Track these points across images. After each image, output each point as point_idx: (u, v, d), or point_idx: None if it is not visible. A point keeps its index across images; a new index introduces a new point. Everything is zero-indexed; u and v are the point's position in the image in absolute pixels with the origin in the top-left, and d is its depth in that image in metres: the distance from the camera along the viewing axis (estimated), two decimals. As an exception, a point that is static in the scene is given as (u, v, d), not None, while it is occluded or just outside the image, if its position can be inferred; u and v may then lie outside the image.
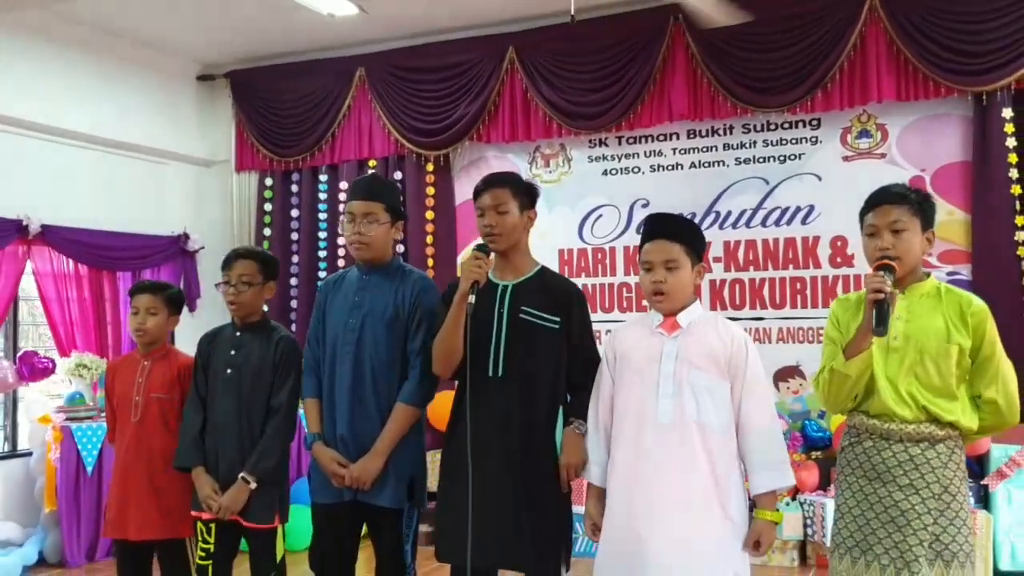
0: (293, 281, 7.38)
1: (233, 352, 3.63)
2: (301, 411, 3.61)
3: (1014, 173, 5.61)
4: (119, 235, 6.88)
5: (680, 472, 2.83)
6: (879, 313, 2.63)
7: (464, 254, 6.79)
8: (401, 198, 3.64)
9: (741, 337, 2.92)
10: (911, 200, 2.79)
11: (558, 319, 3.19)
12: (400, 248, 7.03)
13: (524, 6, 6.49)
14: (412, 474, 3.41)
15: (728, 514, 2.83)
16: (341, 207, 7.23)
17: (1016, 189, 5.61)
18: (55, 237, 6.41)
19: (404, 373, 3.37)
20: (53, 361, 6.22)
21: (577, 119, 6.52)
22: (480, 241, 3.24)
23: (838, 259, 6.09)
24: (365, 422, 3.34)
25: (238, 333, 3.67)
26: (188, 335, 6.86)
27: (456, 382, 3.31)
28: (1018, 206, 5.61)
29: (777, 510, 2.91)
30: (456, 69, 6.84)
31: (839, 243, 6.09)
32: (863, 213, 2.87)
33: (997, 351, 2.76)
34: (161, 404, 3.78)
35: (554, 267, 6.48)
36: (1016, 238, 5.59)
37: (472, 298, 3.07)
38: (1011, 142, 5.62)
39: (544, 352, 3.18)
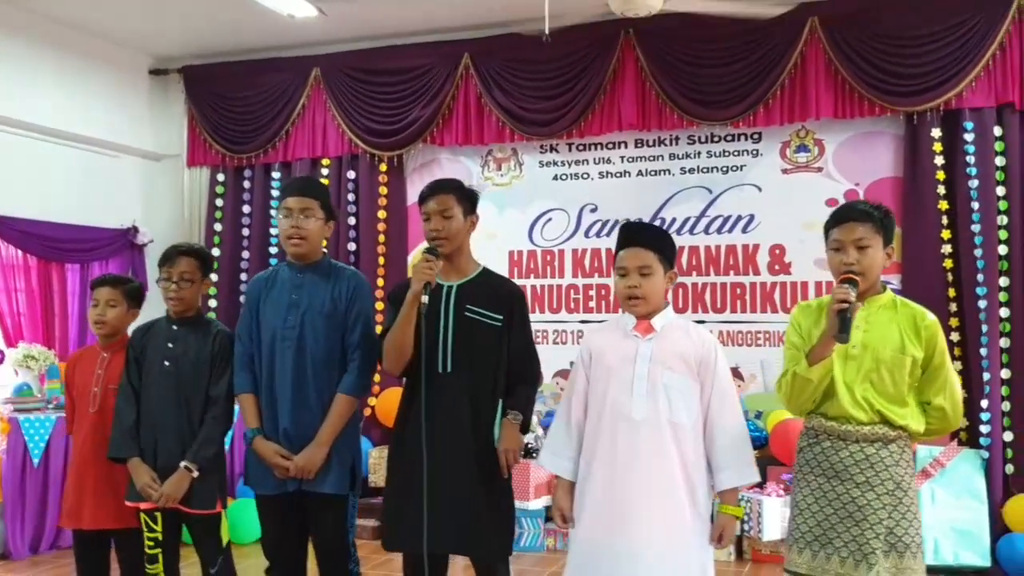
0: (243, 276, 7.41)
1: (171, 345, 3.71)
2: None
3: (941, 189, 5.94)
4: (68, 227, 6.86)
5: (653, 466, 2.99)
6: (842, 322, 2.83)
7: (415, 256, 6.93)
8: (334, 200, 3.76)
9: (711, 341, 3.11)
10: (875, 218, 2.99)
11: (500, 316, 3.37)
12: (352, 247, 7.15)
13: (479, 15, 6.63)
14: (352, 461, 3.55)
15: (696, 507, 3.01)
16: (294, 204, 7.29)
17: (943, 204, 5.93)
18: (4, 228, 6.38)
19: (342, 367, 3.50)
20: (2, 352, 6.19)
21: (529, 125, 6.69)
22: (428, 245, 3.39)
23: (776, 266, 6.37)
24: (308, 415, 3.46)
25: (174, 327, 3.75)
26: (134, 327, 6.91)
27: (404, 379, 3.45)
28: (945, 220, 5.93)
29: (739, 505, 3.10)
30: (412, 73, 6.95)
31: (777, 251, 6.37)
32: (828, 228, 3.05)
33: (946, 362, 3.00)
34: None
35: (504, 268, 6.68)
36: (942, 251, 5.91)
37: (425, 298, 3.22)
38: (939, 160, 5.95)
39: (488, 347, 3.36)
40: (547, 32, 5.23)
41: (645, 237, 3.18)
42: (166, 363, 3.69)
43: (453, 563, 3.60)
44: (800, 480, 3.08)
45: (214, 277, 7.39)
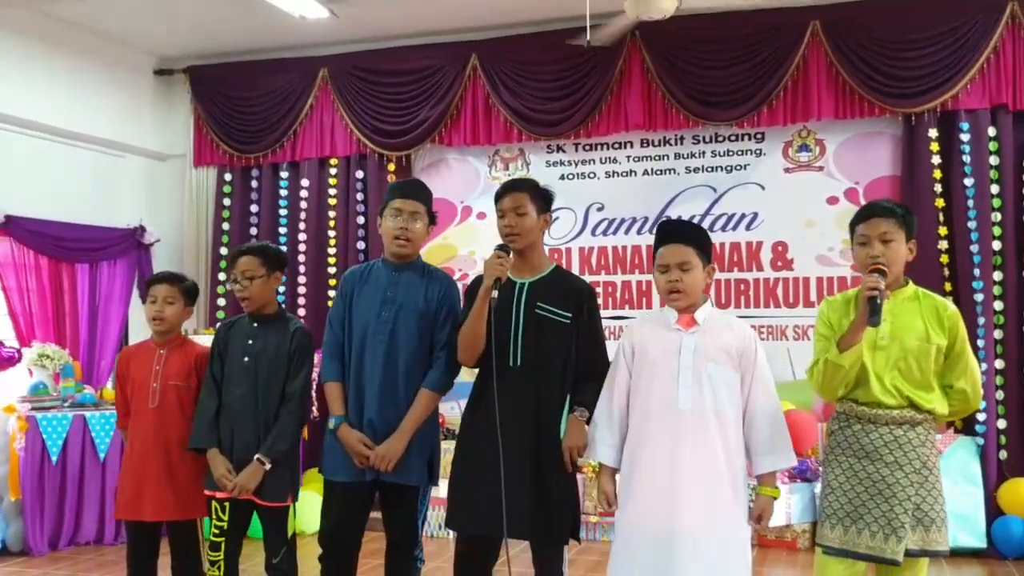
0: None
1: (251, 341, 3.82)
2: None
3: (938, 188, 6.18)
4: (77, 226, 6.90)
5: (699, 454, 3.16)
6: (873, 307, 3.02)
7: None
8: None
9: (751, 334, 3.28)
10: (897, 214, 3.19)
11: (569, 314, 3.48)
12: (361, 245, 7.25)
13: (488, 16, 6.77)
14: (431, 454, 3.69)
15: (736, 490, 3.19)
16: (303, 204, 7.39)
17: (940, 202, 6.17)
18: (17, 228, 6.41)
19: (428, 364, 3.63)
20: (19, 351, 6.23)
21: (537, 125, 6.84)
22: (501, 242, 3.51)
23: (779, 263, 6.58)
24: (393, 408, 3.58)
25: (255, 324, 3.86)
26: (141, 327, 6.98)
27: (477, 371, 3.57)
28: (941, 218, 6.18)
29: (776, 487, 3.28)
30: (420, 73, 7.08)
31: (780, 248, 6.58)
32: (854, 224, 3.25)
33: (966, 348, 3.20)
34: (178, 391, 3.93)
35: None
36: (940, 247, 6.15)
37: (495, 293, 3.35)
38: (936, 160, 6.19)
39: (556, 344, 3.47)
40: (588, 39, 5.37)
41: (684, 234, 3.34)
42: (246, 359, 3.79)
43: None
44: (832, 461, 3.25)
45: (223, 276, 7.48)
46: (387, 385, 3.59)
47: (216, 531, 3.80)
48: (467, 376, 3.66)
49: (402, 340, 3.60)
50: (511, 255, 3.46)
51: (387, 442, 3.54)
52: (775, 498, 3.27)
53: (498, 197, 3.56)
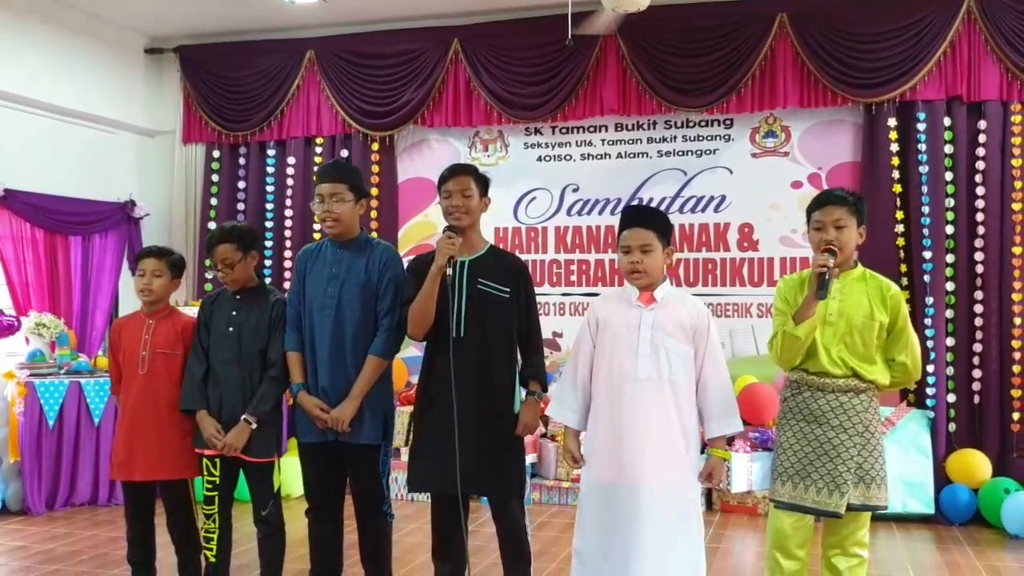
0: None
1: (234, 313, 4.11)
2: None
3: (896, 174, 6.51)
4: (71, 200, 7.12)
5: (654, 418, 3.48)
6: (821, 282, 3.36)
7: (402, 232, 7.26)
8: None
9: (704, 311, 3.60)
10: (850, 202, 3.51)
11: (508, 289, 3.80)
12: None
13: (470, 2, 7.03)
14: (385, 415, 3.98)
15: (689, 452, 3.52)
16: (289, 181, 7.63)
17: (897, 188, 6.50)
18: (15, 201, 6.64)
19: (374, 331, 3.91)
20: (18, 319, 6.47)
21: (516, 109, 7.10)
22: (448, 224, 3.77)
23: (745, 244, 6.91)
24: (343, 375, 3.87)
25: (237, 297, 4.15)
26: (131, 298, 7.21)
27: (426, 343, 3.86)
28: (898, 202, 6.51)
29: (726, 450, 3.61)
30: (403, 57, 7.32)
31: (746, 229, 6.90)
32: (811, 210, 3.56)
33: (907, 326, 3.54)
34: (167, 359, 4.18)
35: (493, 244, 7.09)
36: (896, 230, 6.49)
37: (449, 271, 3.64)
38: (894, 147, 6.51)
39: (496, 316, 3.78)
40: (570, 38, 5.66)
41: (646, 218, 3.65)
42: (230, 328, 4.08)
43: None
44: (784, 424, 3.59)
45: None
46: (336, 355, 3.87)
47: (209, 486, 4.10)
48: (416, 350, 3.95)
49: (347, 312, 3.88)
50: (460, 236, 3.72)
51: (339, 406, 3.84)
52: (725, 460, 3.61)
53: (443, 180, 3.82)
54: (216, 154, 7.85)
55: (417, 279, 3.75)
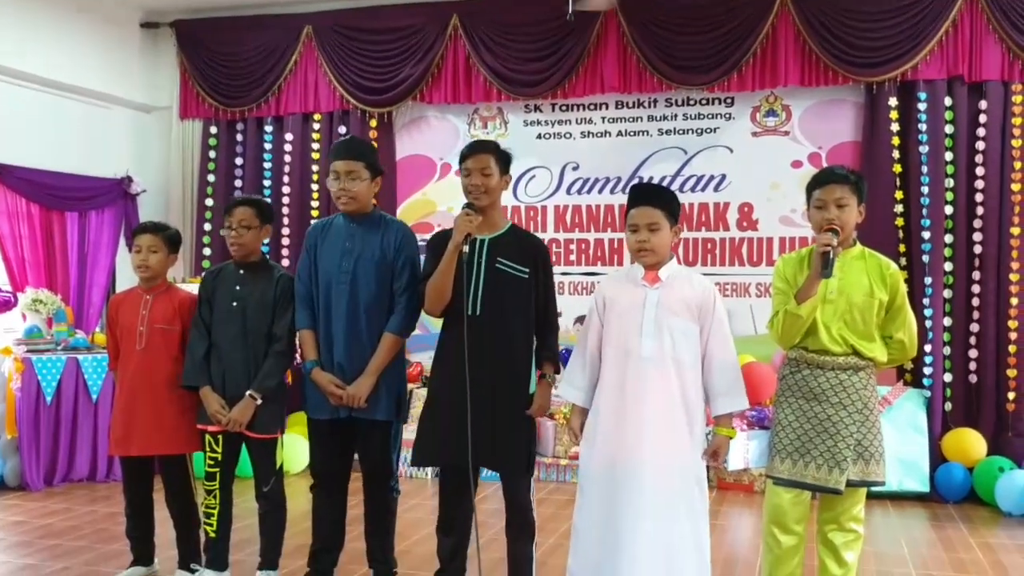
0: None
1: (238, 288, 4.09)
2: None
3: (896, 154, 6.50)
4: (67, 176, 7.09)
5: (658, 397, 3.48)
6: (825, 261, 3.35)
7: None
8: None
9: (710, 289, 3.59)
10: (851, 181, 3.50)
11: (527, 269, 3.76)
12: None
13: (470, -23, 6.99)
14: (399, 392, 3.99)
15: (693, 430, 3.51)
16: (286, 158, 7.60)
17: (897, 168, 6.49)
18: (10, 176, 6.60)
19: (390, 308, 3.90)
20: (15, 295, 6.45)
21: (515, 85, 7.07)
22: (467, 201, 3.74)
23: (744, 223, 6.91)
24: (360, 350, 3.87)
25: (241, 271, 4.13)
26: (128, 275, 7.19)
27: (442, 320, 3.84)
28: (898, 182, 6.51)
29: (732, 428, 3.62)
30: (402, 32, 7.27)
31: (746, 209, 6.90)
32: (811, 188, 3.55)
33: (905, 304, 3.54)
34: (164, 334, 4.17)
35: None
36: (895, 210, 6.49)
37: (466, 248, 3.63)
38: (895, 127, 6.50)
39: (513, 295, 3.75)
40: (571, 14, 5.61)
41: (654, 196, 3.64)
42: (234, 304, 4.06)
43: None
44: (782, 402, 3.59)
45: (208, 227, 7.69)
46: (352, 330, 3.86)
47: (211, 462, 4.10)
48: (436, 325, 3.95)
49: (362, 288, 3.87)
50: (479, 214, 3.70)
51: (356, 382, 3.83)
52: (731, 438, 3.61)
53: (463, 157, 3.78)
54: (213, 130, 7.81)
55: (436, 255, 3.74)
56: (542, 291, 3.82)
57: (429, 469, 6.65)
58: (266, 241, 7.31)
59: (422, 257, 3.96)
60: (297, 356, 4.09)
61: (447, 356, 3.78)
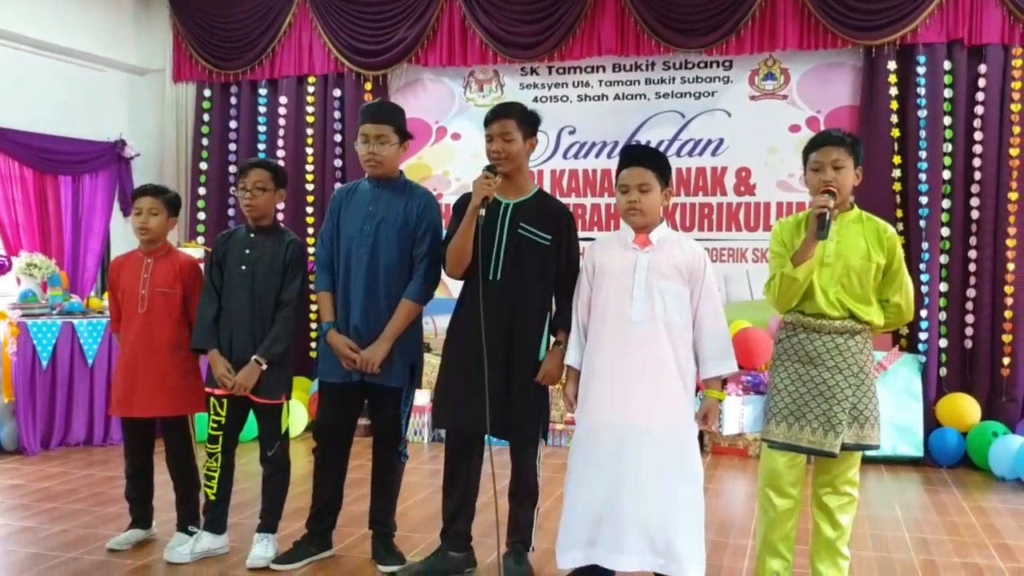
0: (232, 191, 7.66)
1: (248, 251, 4.06)
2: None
3: (894, 118, 6.47)
4: (60, 139, 7.04)
5: (649, 360, 3.50)
6: (821, 223, 3.33)
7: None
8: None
9: (701, 253, 3.59)
10: (847, 143, 3.47)
11: (549, 236, 3.74)
12: (338, 163, 7.44)
13: (466, -62, 6.89)
14: (413, 359, 3.98)
15: (685, 393, 3.53)
16: (281, 121, 7.54)
17: (895, 132, 6.46)
18: (3, 140, 6.54)
19: (409, 274, 3.88)
20: (9, 259, 6.42)
21: (511, 48, 7.00)
22: (488, 163, 3.71)
23: (742, 188, 6.88)
24: (377, 315, 3.85)
25: (252, 235, 4.09)
26: (122, 239, 7.18)
27: (462, 283, 3.83)
28: (896, 147, 6.48)
29: (722, 391, 3.63)
30: (397, -7, 7.19)
31: (743, 173, 6.87)
32: (808, 151, 3.52)
33: (903, 267, 3.53)
34: (165, 297, 4.16)
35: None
36: (893, 175, 6.47)
37: (482, 211, 3.60)
38: (893, 91, 6.46)
39: (534, 262, 3.73)
40: None
41: (645, 157, 3.62)
42: (243, 267, 4.03)
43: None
44: (779, 365, 3.58)
45: (202, 190, 7.66)
46: (370, 294, 3.85)
47: (215, 425, 4.10)
48: (441, 293, 3.94)
49: (383, 252, 3.85)
50: (498, 176, 3.67)
51: (371, 347, 3.82)
52: (720, 400, 3.63)
53: (487, 122, 3.74)
54: (207, 93, 7.74)
55: (459, 218, 3.71)
56: (565, 258, 3.79)
57: (425, 433, 6.70)
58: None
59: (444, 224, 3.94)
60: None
61: (464, 320, 3.77)
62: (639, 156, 3.62)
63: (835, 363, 3.46)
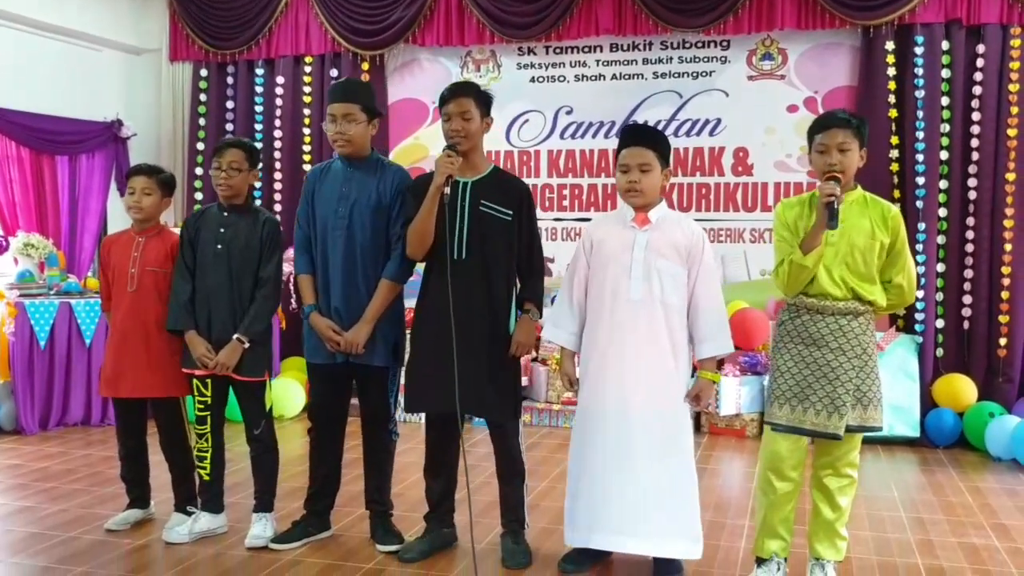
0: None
1: (222, 230, 4.04)
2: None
3: (892, 99, 6.44)
4: (57, 119, 7.01)
5: (647, 339, 3.52)
6: (831, 212, 3.31)
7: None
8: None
9: (699, 233, 3.59)
10: (853, 125, 3.45)
11: (510, 211, 3.74)
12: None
13: (463, -84, 6.84)
14: (396, 338, 3.99)
15: (680, 373, 3.55)
16: (278, 101, 7.51)
17: (893, 112, 6.44)
18: (0, 120, 6.51)
19: (387, 253, 3.88)
20: (6, 239, 6.41)
21: (509, 27, 6.97)
22: (449, 144, 3.70)
23: (739, 168, 6.87)
24: (356, 296, 3.86)
25: (225, 213, 4.08)
26: (119, 219, 7.16)
27: (425, 264, 3.83)
28: (893, 127, 6.46)
29: (717, 372, 3.64)
30: (394, -28, 7.15)
31: (741, 154, 6.86)
32: (813, 132, 3.50)
33: (906, 248, 3.53)
34: (155, 276, 4.15)
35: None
36: (890, 155, 6.46)
37: (447, 190, 3.59)
38: (891, 71, 6.44)
39: (498, 239, 3.73)
40: None
41: (646, 137, 3.63)
42: (219, 246, 4.03)
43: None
44: (781, 347, 3.58)
45: (199, 171, 7.64)
46: (349, 275, 3.85)
47: (201, 406, 4.11)
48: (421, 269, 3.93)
49: (359, 233, 3.84)
50: (459, 156, 3.66)
51: (353, 329, 3.82)
52: (715, 382, 3.64)
53: (443, 101, 3.74)
54: (204, 73, 7.71)
55: (418, 199, 3.69)
56: (526, 233, 3.80)
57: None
58: (258, 186, 7.45)
59: None
60: (292, 302, 4.06)
61: (431, 301, 3.77)
62: (640, 136, 3.63)
63: (838, 344, 3.46)
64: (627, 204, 3.63)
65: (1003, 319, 6.33)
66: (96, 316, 6.39)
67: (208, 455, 4.12)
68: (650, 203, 3.59)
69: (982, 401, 6.25)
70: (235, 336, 3.97)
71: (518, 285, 3.85)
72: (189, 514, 4.22)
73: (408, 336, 3.97)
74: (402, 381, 3.95)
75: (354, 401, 4.07)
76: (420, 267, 3.90)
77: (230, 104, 7.69)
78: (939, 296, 6.43)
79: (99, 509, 4.56)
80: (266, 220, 4.08)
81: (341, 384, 4.04)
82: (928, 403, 6.35)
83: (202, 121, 7.71)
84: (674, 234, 3.58)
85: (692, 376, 3.66)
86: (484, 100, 3.77)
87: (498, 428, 3.86)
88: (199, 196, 7.61)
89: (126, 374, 4.14)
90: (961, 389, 6.27)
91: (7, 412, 6.23)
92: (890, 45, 6.42)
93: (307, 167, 7.43)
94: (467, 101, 3.70)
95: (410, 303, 3.92)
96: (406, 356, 3.97)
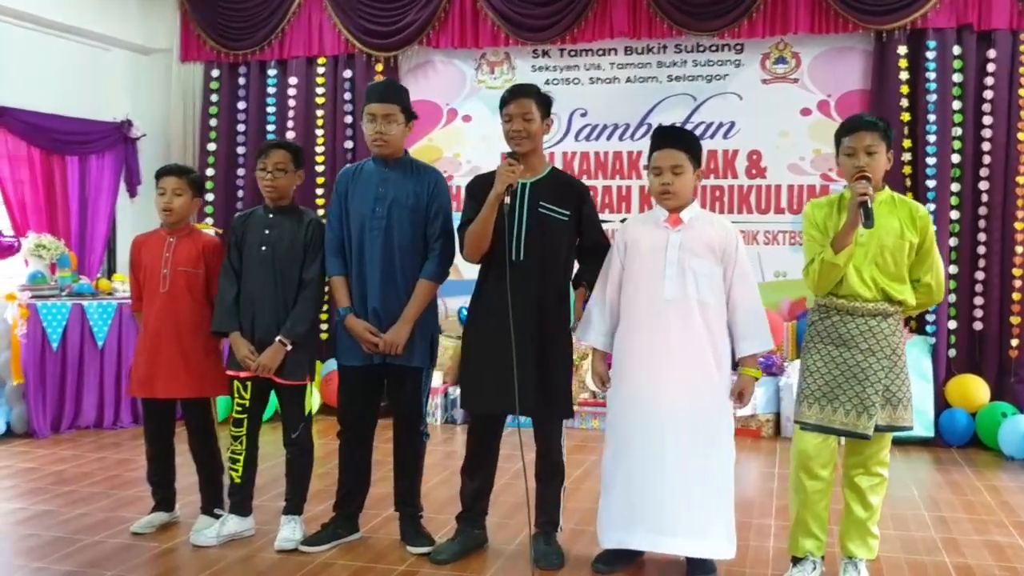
0: (240, 172, 7.63)
1: (267, 232, 4.04)
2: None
3: (904, 103, 6.49)
4: (67, 119, 6.98)
5: (683, 339, 3.53)
6: (866, 212, 3.34)
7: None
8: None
9: (733, 231, 3.62)
10: (880, 128, 3.49)
11: (568, 212, 3.76)
12: (349, 144, 7.41)
13: (478, -82, 6.85)
14: (432, 338, 3.99)
15: (720, 372, 3.56)
16: (290, 102, 7.49)
17: (905, 116, 6.48)
18: (10, 119, 6.48)
19: (424, 254, 3.89)
20: (18, 240, 6.37)
21: (523, 30, 6.97)
22: (509, 150, 3.74)
23: (753, 171, 6.90)
24: (395, 296, 3.86)
25: (271, 215, 4.07)
26: (128, 220, 7.13)
27: (480, 265, 3.85)
28: (905, 131, 6.50)
29: (758, 368, 3.65)
30: (408, -26, 7.13)
31: (755, 156, 6.89)
32: (840, 136, 3.54)
33: (934, 247, 3.56)
34: (187, 277, 4.14)
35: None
36: (902, 158, 6.49)
37: (507, 199, 3.62)
38: (904, 75, 6.48)
39: (556, 240, 3.76)
40: None
41: (678, 139, 3.65)
42: (263, 248, 4.01)
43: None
44: (811, 347, 3.60)
45: (211, 171, 7.62)
46: (387, 276, 3.85)
47: (239, 408, 4.09)
48: (452, 275, 3.97)
49: (396, 233, 3.85)
50: (520, 163, 3.68)
51: (392, 330, 3.82)
52: (756, 379, 3.67)
53: (504, 102, 3.76)
54: (215, 73, 7.68)
55: (475, 201, 3.71)
56: (589, 229, 3.83)
57: (439, 415, 6.70)
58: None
59: (452, 204, 3.95)
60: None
61: (487, 302, 3.78)
62: (671, 138, 3.65)
63: (868, 345, 3.49)
64: (660, 206, 3.64)
65: (1015, 320, 6.38)
66: (108, 318, 6.37)
67: (242, 457, 4.10)
68: (683, 204, 3.61)
69: (994, 401, 6.29)
70: (277, 338, 3.96)
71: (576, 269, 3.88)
72: (216, 517, 4.20)
73: (460, 336, 3.96)
74: (434, 383, 3.94)
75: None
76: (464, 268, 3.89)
77: (241, 105, 7.66)
78: (952, 298, 6.47)
79: (121, 512, 4.53)
80: (311, 221, 4.07)
81: (373, 386, 4.03)
82: (941, 403, 6.39)
83: (213, 122, 7.67)
84: (708, 233, 3.60)
85: (733, 372, 3.67)
86: (544, 101, 3.78)
87: (544, 428, 3.85)
88: (210, 197, 7.57)
89: (159, 374, 4.12)
90: (974, 389, 6.31)
91: (19, 415, 6.18)
92: (902, 50, 6.46)
93: (320, 168, 7.41)
94: (528, 102, 3.72)
95: (452, 301, 3.92)
96: (437, 357, 3.97)
